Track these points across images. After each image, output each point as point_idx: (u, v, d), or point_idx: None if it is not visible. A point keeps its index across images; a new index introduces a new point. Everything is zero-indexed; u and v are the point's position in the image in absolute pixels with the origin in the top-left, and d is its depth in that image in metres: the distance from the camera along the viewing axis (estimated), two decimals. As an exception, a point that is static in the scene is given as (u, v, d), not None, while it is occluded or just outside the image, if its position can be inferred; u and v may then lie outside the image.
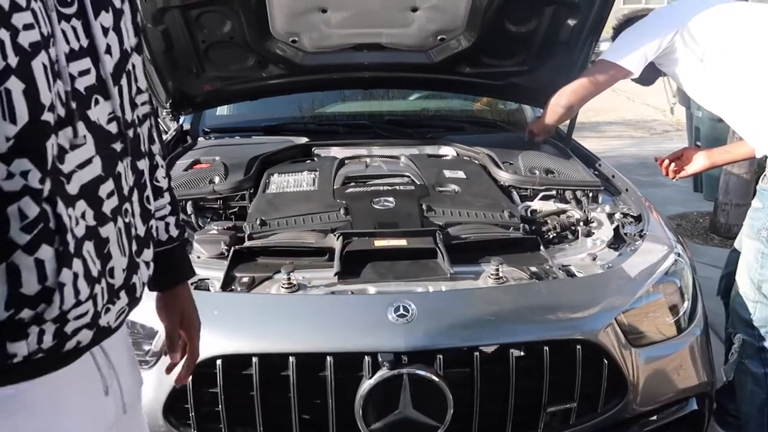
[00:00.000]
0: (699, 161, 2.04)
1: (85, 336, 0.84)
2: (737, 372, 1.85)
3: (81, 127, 0.80)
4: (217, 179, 2.19)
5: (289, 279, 1.62)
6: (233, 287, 1.65)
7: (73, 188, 0.79)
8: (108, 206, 0.85)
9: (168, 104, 2.53)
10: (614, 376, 1.61)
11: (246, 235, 1.87)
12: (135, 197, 0.92)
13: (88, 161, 0.81)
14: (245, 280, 1.67)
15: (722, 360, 2.02)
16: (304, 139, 2.60)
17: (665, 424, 1.76)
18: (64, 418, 0.86)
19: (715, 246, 4.20)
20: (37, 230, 0.75)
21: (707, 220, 4.61)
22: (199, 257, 1.83)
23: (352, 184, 2.18)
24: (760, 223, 1.84)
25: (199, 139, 2.68)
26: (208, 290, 1.65)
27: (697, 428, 1.83)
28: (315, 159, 2.50)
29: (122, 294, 0.89)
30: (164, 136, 2.61)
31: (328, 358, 1.46)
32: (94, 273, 0.82)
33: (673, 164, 2.08)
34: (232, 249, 1.78)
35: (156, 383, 1.50)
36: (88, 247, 0.81)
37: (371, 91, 3.01)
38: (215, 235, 1.90)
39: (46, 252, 0.76)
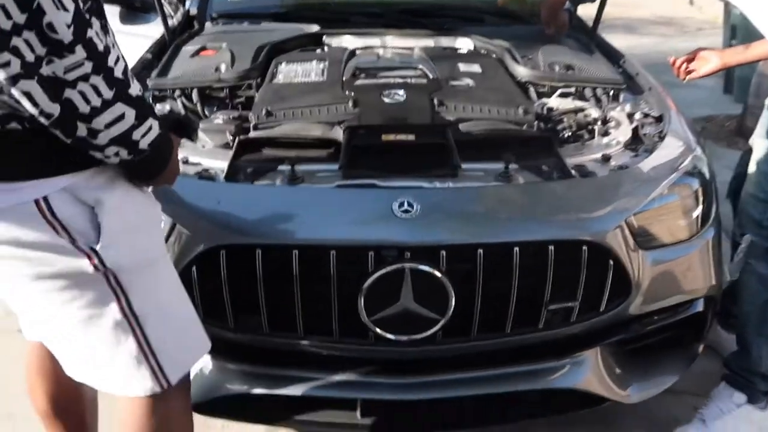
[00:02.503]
0: (711, 62, 1.93)
1: None
2: (743, 272, 1.83)
3: None
4: (223, 67, 2.12)
5: (293, 171, 1.59)
6: (237, 178, 1.63)
7: None
8: None
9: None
10: (619, 278, 1.59)
11: (251, 126, 1.83)
12: None
13: None
14: (250, 170, 1.65)
15: (728, 261, 2.00)
16: (314, 27, 2.50)
17: (667, 325, 1.77)
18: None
19: (739, 150, 4.06)
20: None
21: (734, 123, 4.46)
22: (204, 146, 1.81)
23: (362, 75, 2.10)
24: None
25: (207, 24, 2.58)
26: (213, 180, 1.63)
27: (699, 329, 1.84)
28: (325, 49, 2.40)
29: None
30: (170, 21, 2.51)
31: (331, 252, 1.45)
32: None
33: (685, 65, 1.97)
34: (238, 139, 1.75)
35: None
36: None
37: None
38: (220, 125, 1.86)
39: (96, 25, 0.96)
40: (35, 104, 0.92)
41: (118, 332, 1.12)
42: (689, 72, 1.96)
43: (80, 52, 0.91)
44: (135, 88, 1.00)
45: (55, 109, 0.93)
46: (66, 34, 0.89)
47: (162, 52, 2.37)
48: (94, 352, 1.14)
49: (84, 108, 0.94)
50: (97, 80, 0.94)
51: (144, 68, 2.27)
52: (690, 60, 1.96)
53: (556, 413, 1.71)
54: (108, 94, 0.95)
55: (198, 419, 1.68)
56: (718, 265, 1.81)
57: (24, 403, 1.49)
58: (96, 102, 0.94)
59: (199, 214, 1.54)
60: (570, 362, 1.65)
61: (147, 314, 1.13)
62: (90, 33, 0.93)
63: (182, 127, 1.25)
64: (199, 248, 1.49)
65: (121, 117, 0.98)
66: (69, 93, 0.92)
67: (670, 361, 1.82)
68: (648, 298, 1.66)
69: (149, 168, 1.10)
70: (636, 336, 1.73)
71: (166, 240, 1.54)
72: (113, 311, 1.10)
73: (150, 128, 1.03)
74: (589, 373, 1.66)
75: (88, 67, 0.92)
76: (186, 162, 1.70)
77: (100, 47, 0.94)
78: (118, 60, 0.98)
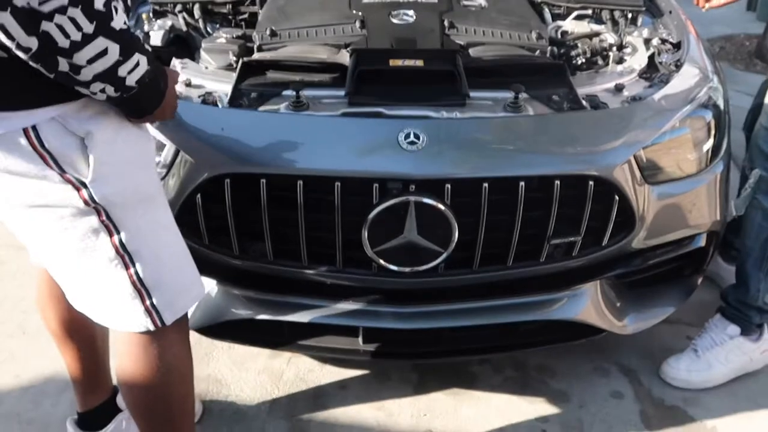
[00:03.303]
0: None
1: None
2: (749, 207, 1.82)
3: None
4: (226, -20, 2.03)
5: (298, 97, 1.56)
6: (241, 102, 1.60)
7: None
8: None
9: None
10: (623, 212, 1.59)
11: (255, 47, 1.77)
12: None
13: None
14: (254, 95, 1.61)
15: (736, 194, 1.99)
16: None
17: (668, 259, 1.78)
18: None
19: (756, 73, 3.97)
20: None
21: (754, 43, 4.31)
22: (206, 67, 1.76)
23: (371, -8, 2.01)
24: None
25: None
26: (216, 105, 1.60)
27: (699, 262, 1.86)
28: (332, -40, 2.29)
29: None
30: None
31: (336, 183, 1.44)
32: None
33: None
34: (241, 61, 1.70)
35: (167, 195, 1.50)
36: None
37: None
38: (224, 45, 1.81)
39: None
40: (11, 37, 0.88)
41: (111, 268, 1.12)
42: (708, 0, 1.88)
43: None
44: (119, 21, 0.95)
45: (32, 42, 0.89)
46: None
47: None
48: (89, 284, 1.15)
49: (63, 42, 0.90)
50: (75, 12, 0.89)
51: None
52: None
53: (553, 343, 1.75)
54: (88, 27, 0.91)
55: (204, 339, 1.75)
56: (725, 200, 1.80)
57: (36, 318, 1.53)
58: (76, 36, 0.90)
59: (203, 140, 1.52)
60: (569, 294, 1.68)
61: (140, 252, 1.13)
62: None
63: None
64: (204, 176, 1.48)
65: (104, 52, 0.94)
66: (46, 26, 0.88)
67: (668, 293, 1.85)
68: (651, 232, 1.66)
69: (141, 104, 1.07)
70: (636, 270, 1.74)
71: (170, 166, 1.53)
72: (106, 246, 1.10)
73: (137, 64, 0.99)
74: (588, 305, 1.68)
75: None
76: (189, 85, 1.66)
77: None
78: None
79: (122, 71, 0.97)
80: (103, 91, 0.98)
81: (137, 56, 0.99)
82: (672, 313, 1.84)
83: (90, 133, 1.03)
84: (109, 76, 0.96)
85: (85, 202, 1.06)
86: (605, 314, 1.72)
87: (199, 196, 1.50)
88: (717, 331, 1.90)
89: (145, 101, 1.07)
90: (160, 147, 1.54)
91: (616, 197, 1.56)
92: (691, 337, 1.98)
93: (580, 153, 1.57)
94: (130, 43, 0.97)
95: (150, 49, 1.06)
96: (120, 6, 0.96)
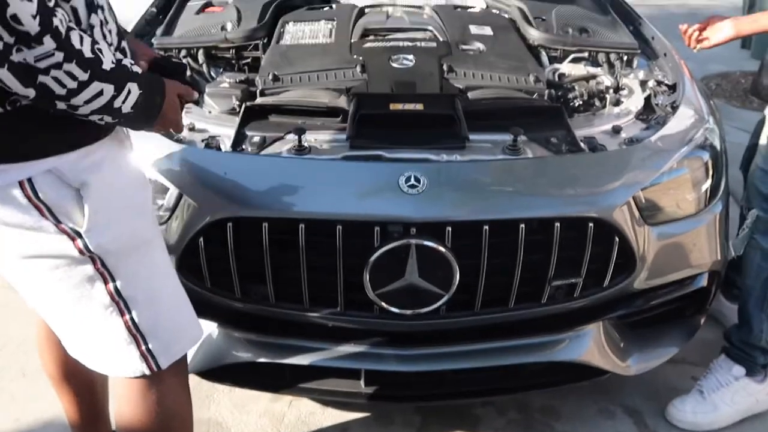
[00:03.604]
0: (724, 30, 1.86)
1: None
2: (747, 247, 1.83)
3: None
4: (229, 26, 2.08)
5: (300, 141, 1.58)
6: (244, 147, 1.62)
7: None
8: None
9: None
10: (624, 253, 1.59)
11: (258, 91, 1.80)
12: None
13: None
14: (256, 139, 1.64)
15: (735, 233, 2.00)
16: (323, -19, 2.43)
17: (670, 299, 1.78)
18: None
19: (753, 110, 4.01)
20: None
21: (750, 80, 4.37)
22: (210, 112, 1.79)
23: (371, 37, 2.05)
24: None
25: (213, -23, 2.51)
26: (219, 149, 1.62)
27: (701, 303, 1.86)
28: (333, 6, 2.34)
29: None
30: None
31: (338, 226, 1.45)
32: (111, 27, 1.08)
33: (696, 33, 1.91)
34: (244, 105, 1.73)
35: (170, 238, 1.52)
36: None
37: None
38: (227, 89, 1.84)
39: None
40: (8, 88, 0.92)
41: (106, 315, 1.12)
42: (701, 40, 1.90)
43: (49, 43, 0.90)
44: (108, 60, 0.99)
45: (29, 92, 0.93)
46: (32, 26, 0.88)
47: (167, 6, 2.32)
48: (85, 331, 1.16)
49: (60, 91, 0.94)
50: (71, 66, 0.93)
51: (148, 24, 2.23)
52: (702, 28, 1.90)
53: (557, 385, 1.74)
54: (83, 76, 0.95)
55: (204, 382, 1.73)
56: (725, 239, 1.81)
57: (37, 359, 1.53)
58: (72, 84, 0.94)
59: (206, 184, 1.54)
60: (572, 335, 1.67)
61: (136, 298, 1.14)
62: (56, 21, 0.91)
63: (175, 72, 1.24)
64: (206, 220, 1.50)
65: (100, 93, 0.98)
66: (43, 78, 0.92)
67: (671, 333, 1.84)
68: (652, 273, 1.66)
69: (137, 123, 1.11)
70: (639, 310, 1.74)
71: (173, 209, 1.54)
72: (101, 294, 1.11)
73: (129, 92, 1.02)
74: (591, 346, 1.68)
75: (59, 56, 0.91)
76: (192, 129, 1.69)
77: (71, 36, 0.93)
78: (82, 39, 0.95)
79: (117, 103, 1.01)
80: (101, 119, 1.02)
81: (128, 85, 1.02)
82: (676, 353, 1.83)
83: (85, 183, 1.05)
84: (106, 109, 1.01)
85: (80, 252, 1.07)
86: (608, 355, 1.71)
87: (201, 239, 1.51)
88: (722, 372, 1.89)
89: (143, 117, 1.10)
90: (163, 191, 1.56)
91: (616, 238, 1.57)
92: (696, 377, 1.96)
93: (579, 195, 1.58)
94: (121, 77, 1.01)
95: (139, 70, 1.07)
96: (104, 47, 0.99)
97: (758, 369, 1.88)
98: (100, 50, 0.98)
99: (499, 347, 1.64)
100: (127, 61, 1.06)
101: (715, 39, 1.88)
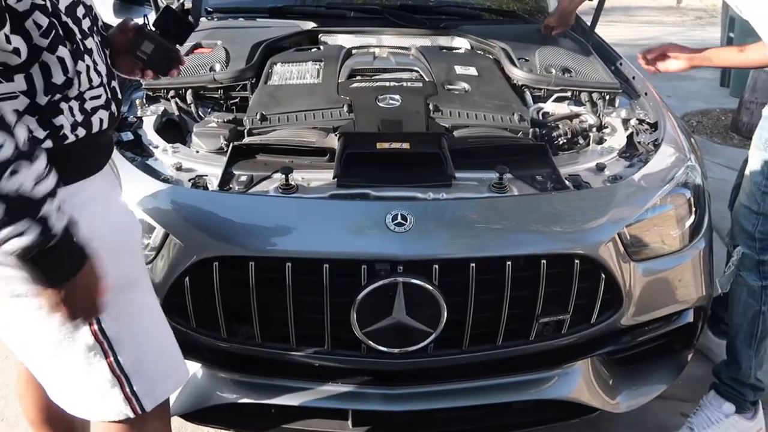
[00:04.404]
0: (678, 61, 1.93)
1: (104, 115, 1.11)
2: (734, 284, 1.84)
3: None
4: (218, 67, 2.11)
5: (287, 180, 1.58)
6: (231, 186, 1.63)
7: (62, 5, 1.04)
8: (85, 24, 1.10)
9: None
10: (610, 289, 1.60)
11: (246, 131, 1.82)
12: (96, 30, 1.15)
13: None
14: (243, 178, 1.64)
15: (722, 268, 2.02)
16: (311, 24, 2.47)
17: (657, 335, 1.78)
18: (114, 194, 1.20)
19: (734, 146, 4.09)
20: (52, 35, 1.00)
21: (729, 118, 4.46)
22: (197, 151, 1.80)
23: (358, 78, 2.08)
24: None
25: (202, 19, 2.55)
26: (206, 188, 1.62)
27: (688, 338, 1.86)
28: (321, 47, 2.38)
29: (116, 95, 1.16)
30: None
31: (325, 265, 1.45)
32: (100, 68, 1.11)
33: (652, 59, 1.97)
34: (231, 145, 1.74)
35: (155, 278, 1.51)
36: (90, 44, 1.10)
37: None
38: (215, 129, 1.85)
39: (63, 51, 1.03)
40: None
41: (89, 356, 1.11)
42: (654, 67, 1.97)
43: None
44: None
45: None
46: None
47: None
48: (67, 375, 1.14)
49: None
50: None
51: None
52: (659, 57, 1.96)
53: (546, 423, 1.72)
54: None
55: (188, 425, 1.70)
56: (709, 275, 1.82)
57: (17, 404, 1.50)
58: None
59: (192, 224, 1.54)
60: (560, 373, 1.67)
61: (120, 338, 1.12)
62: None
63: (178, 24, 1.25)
64: (192, 259, 1.49)
65: None
66: None
67: (660, 370, 1.84)
68: (639, 309, 1.67)
69: (36, 273, 0.96)
70: (627, 346, 1.74)
71: (159, 249, 1.54)
72: (85, 335, 1.10)
73: (22, 234, 0.90)
74: (580, 383, 1.67)
75: None
76: (180, 168, 1.69)
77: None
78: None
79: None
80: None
81: (24, 224, 0.91)
82: (665, 389, 1.82)
83: (73, 222, 1.04)
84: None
85: None
86: (598, 392, 1.70)
87: (187, 279, 1.50)
88: (712, 409, 1.88)
89: (43, 270, 0.97)
90: (149, 230, 1.55)
91: (603, 275, 1.57)
92: (686, 413, 1.96)
93: (564, 232, 1.60)
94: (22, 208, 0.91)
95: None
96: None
97: (748, 406, 1.87)
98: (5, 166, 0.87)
99: (488, 385, 1.63)
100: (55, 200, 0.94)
101: (670, 68, 1.95)
